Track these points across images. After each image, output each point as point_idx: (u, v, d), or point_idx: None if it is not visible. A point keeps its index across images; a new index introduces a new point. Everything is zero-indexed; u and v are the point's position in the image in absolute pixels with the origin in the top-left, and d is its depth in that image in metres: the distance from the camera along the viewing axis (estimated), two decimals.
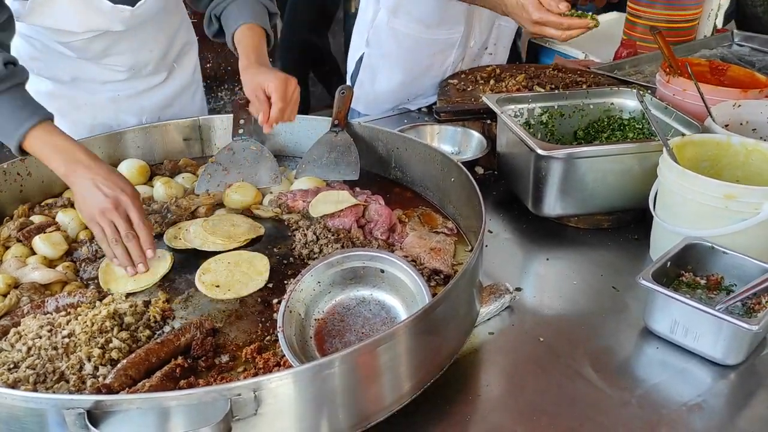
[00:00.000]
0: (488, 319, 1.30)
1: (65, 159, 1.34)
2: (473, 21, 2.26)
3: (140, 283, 1.33)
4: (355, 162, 1.66)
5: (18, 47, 1.77)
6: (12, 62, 1.40)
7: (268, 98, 1.51)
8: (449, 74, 2.32)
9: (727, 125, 1.63)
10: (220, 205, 1.59)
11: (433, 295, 1.22)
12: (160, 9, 1.72)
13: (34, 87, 1.81)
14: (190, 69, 1.99)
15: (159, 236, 1.46)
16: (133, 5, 1.63)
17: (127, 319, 1.19)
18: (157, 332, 1.20)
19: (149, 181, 1.69)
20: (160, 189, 1.61)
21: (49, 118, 1.38)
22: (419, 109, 2.31)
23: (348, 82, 2.51)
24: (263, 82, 1.51)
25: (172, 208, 1.54)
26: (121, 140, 1.73)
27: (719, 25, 2.81)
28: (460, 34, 2.26)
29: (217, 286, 1.31)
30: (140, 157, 1.73)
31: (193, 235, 1.44)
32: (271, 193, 1.62)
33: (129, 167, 1.67)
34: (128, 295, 1.29)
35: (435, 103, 2.19)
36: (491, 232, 1.61)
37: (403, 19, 2.22)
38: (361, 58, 2.38)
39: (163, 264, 1.37)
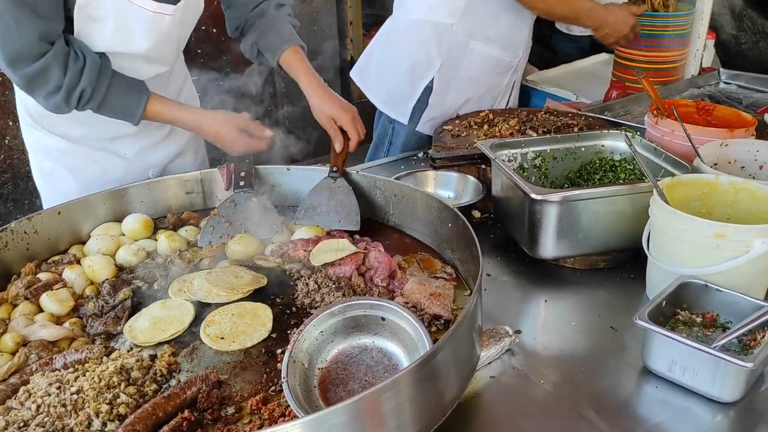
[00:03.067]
0: (489, 363, 1.32)
1: (187, 115, 1.76)
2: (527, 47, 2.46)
3: (169, 332, 1.35)
4: (355, 212, 1.70)
5: (27, 103, 1.82)
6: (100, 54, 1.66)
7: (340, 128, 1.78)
8: (501, 96, 2.56)
9: (715, 164, 1.67)
10: (223, 256, 1.62)
11: (434, 340, 1.24)
12: (191, 23, 1.85)
13: (43, 143, 1.88)
14: None
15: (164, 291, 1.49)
16: (175, 3, 1.70)
17: (134, 374, 1.21)
18: (164, 386, 1.22)
19: (153, 234, 1.72)
20: (164, 242, 1.64)
21: (150, 92, 1.73)
22: (416, 156, 2.36)
23: (404, 109, 2.52)
24: (335, 115, 1.78)
25: (175, 261, 1.57)
26: (125, 196, 1.77)
27: (706, 64, 2.89)
28: (519, 59, 2.49)
29: (222, 338, 1.33)
30: (144, 211, 1.77)
31: (197, 287, 1.47)
32: (272, 243, 1.65)
33: (133, 222, 1.71)
34: (132, 348, 1.32)
35: (428, 151, 2.24)
36: (489, 275, 1.63)
37: (481, 39, 2.40)
38: (431, 83, 2.44)
39: (188, 313, 1.40)
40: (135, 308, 1.43)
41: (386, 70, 2.55)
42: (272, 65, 1.89)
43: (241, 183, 1.77)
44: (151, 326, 1.36)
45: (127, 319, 1.39)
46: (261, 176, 1.84)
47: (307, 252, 1.58)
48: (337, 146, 1.80)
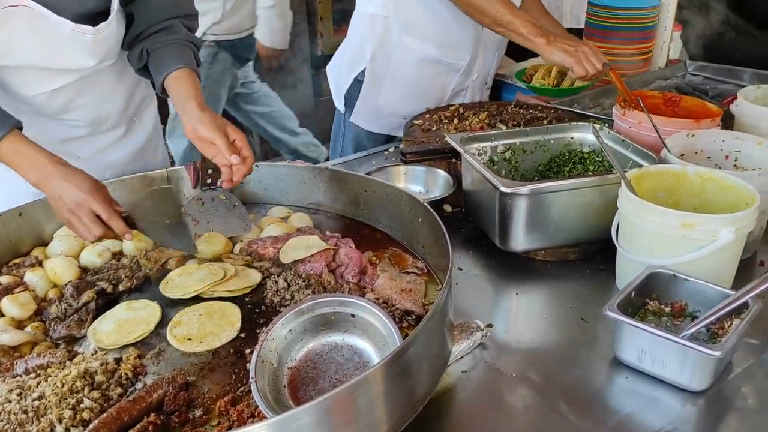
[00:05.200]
0: (461, 358, 1.31)
1: (36, 167, 1.43)
2: (479, 52, 2.38)
3: (134, 334, 1.32)
4: (245, 214, 1.64)
5: None
6: None
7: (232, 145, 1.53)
8: (448, 96, 2.48)
9: (682, 155, 1.69)
10: (191, 255, 1.59)
11: (405, 336, 1.23)
12: (118, 39, 1.71)
13: None
14: (150, 123, 1.99)
15: (137, 290, 1.46)
16: (95, 24, 1.61)
17: (98, 378, 1.18)
18: (129, 390, 1.19)
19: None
20: (130, 243, 1.60)
21: (18, 126, 1.47)
22: (387, 150, 2.35)
23: (341, 100, 2.59)
24: (205, 135, 1.51)
25: (142, 262, 1.54)
26: None
27: (673, 56, 2.92)
28: (466, 62, 2.42)
29: (189, 339, 1.30)
30: None
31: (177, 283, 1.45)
32: (241, 241, 1.63)
33: None
34: (97, 352, 1.29)
35: (399, 146, 2.23)
36: (461, 269, 1.63)
37: (416, 35, 2.34)
38: (360, 75, 2.45)
39: (154, 315, 1.37)
40: (99, 310, 1.40)
41: (336, 62, 2.63)
42: (155, 83, 1.67)
43: (209, 181, 1.73)
44: (116, 329, 1.33)
45: (91, 322, 1.36)
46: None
47: (277, 249, 1.56)
48: (226, 174, 1.54)
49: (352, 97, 2.50)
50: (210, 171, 1.76)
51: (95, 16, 1.62)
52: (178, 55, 1.65)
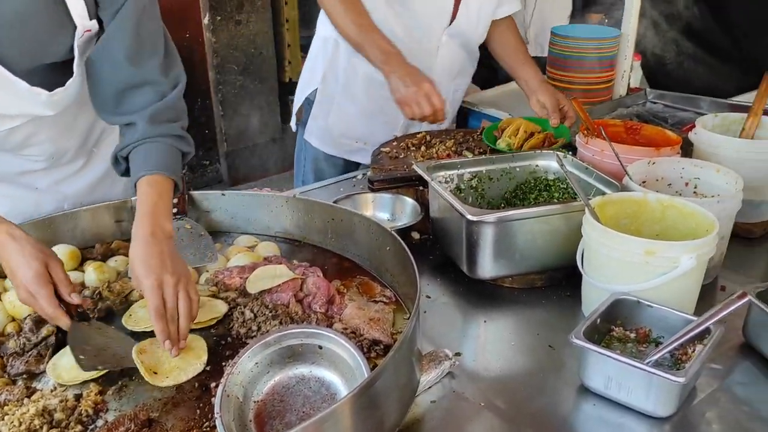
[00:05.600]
0: (429, 388, 1.30)
1: None
2: (432, 78, 2.36)
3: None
4: (211, 244, 1.63)
5: None
6: None
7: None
8: (402, 123, 2.46)
9: (644, 182, 1.72)
10: None
11: (374, 366, 1.23)
12: (78, 95, 1.64)
13: None
14: (110, 153, 1.94)
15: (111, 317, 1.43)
16: (50, 90, 1.55)
17: (58, 416, 1.14)
18: (90, 427, 1.15)
19: (80, 266, 1.65)
20: (92, 274, 1.57)
21: None
22: (356, 177, 2.36)
23: (293, 121, 2.64)
24: (133, 266, 1.34)
25: (104, 294, 1.51)
26: (50, 226, 1.69)
27: (634, 85, 2.99)
28: None
29: (155, 373, 1.27)
30: (70, 242, 1.69)
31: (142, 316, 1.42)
32: (207, 271, 1.61)
33: (59, 253, 1.62)
34: (56, 388, 1.25)
35: (366, 173, 2.24)
36: (429, 297, 1.63)
37: (363, 58, 2.29)
38: (312, 95, 2.49)
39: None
40: (59, 345, 1.36)
41: (298, 85, 2.66)
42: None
43: (174, 210, 1.71)
44: (76, 364, 1.30)
45: (50, 357, 1.32)
46: (195, 202, 1.80)
47: (244, 279, 1.54)
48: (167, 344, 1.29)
49: (304, 115, 2.54)
50: (175, 200, 1.75)
51: (57, 67, 1.55)
52: (147, 156, 1.54)
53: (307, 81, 2.54)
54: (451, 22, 2.35)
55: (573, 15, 3.84)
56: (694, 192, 1.72)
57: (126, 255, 1.69)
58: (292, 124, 2.67)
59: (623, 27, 2.74)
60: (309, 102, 2.52)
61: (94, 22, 1.52)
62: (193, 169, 5.08)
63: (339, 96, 2.45)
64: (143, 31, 1.57)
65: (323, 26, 2.46)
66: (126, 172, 1.61)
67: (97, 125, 1.87)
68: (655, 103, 2.86)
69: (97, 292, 1.53)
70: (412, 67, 2.06)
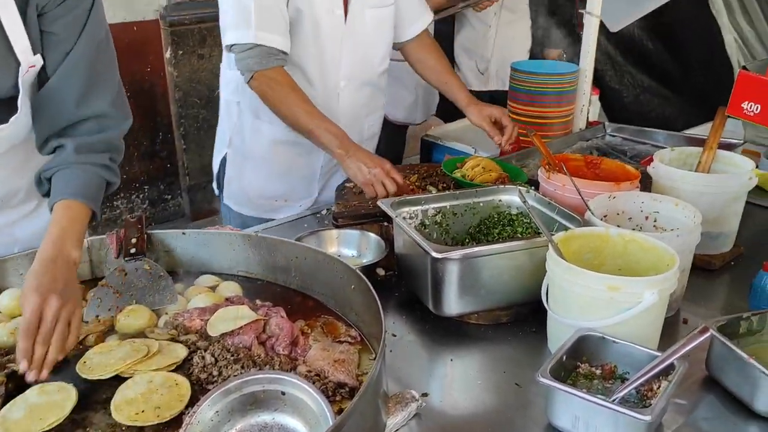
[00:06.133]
0: (396, 431, 1.28)
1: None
2: (338, 121, 2.30)
3: (47, 420, 1.21)
4: (171, 285, 1.61)
5: None
6: None
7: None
8: (319, 173, 2.43)
9: (605, 216, 1.74)
10: (112, 331, 1.51)
11: (339, 410, 1.20)
12: (26, 132, 1.60)
13: None
14: None
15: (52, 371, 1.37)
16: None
17: None
18: None
19: None
20: None
21: None
22: (319, 213, 2.34)
23: (214, 185, 2.61)
24: (24, 284, 1.32)
25: None
26: (3, 268, 1.64)
27: (593, 118, 3.06)
28: None
29: (138, 413, 1.21)
30: (20, 286, 1.60)
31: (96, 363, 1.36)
32: (166, 314, 1.56)
33: (10, 298, 1.57)
34: None
35: (331, 208, 2.22)
36: (395, 335, 1.61)
37: (266, 120, 2.30)
38: (224, 158, 2.47)
39: (69, 399, 1.27)
40: (9, 395, 1.29)
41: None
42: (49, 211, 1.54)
43: (132, 250, 1.67)
44: (26, 415, 1.23)
45: None
46: (154, 242, 1.75)
47: (204, 321, 1.50)
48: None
49: (221, 178, 2.52)
50: (134, 240, 1.70)
51: (2, 104, 1.51)
52: (69, 181, 1.52)
53: (219, 145, 2.52)
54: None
55: (532, 49, 3.91)
56: (654, 225, 1.75)
57: (82, 298, 1.64)
58: (214, 186, 2.61)
59: (581, 63, 2.80)
60: (223, 165, 2.49)
61: (39, 57, 1.49)
62: (154, 204, 5.00)
63: (249, 158, 2.41)
64: (96, 71, 1.57)
65: (225, 90, 2.44)
66: (48, 194, 1.59)
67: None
68: (613, 136, 2.92)
69: None
70: (365, 150, 2.09)
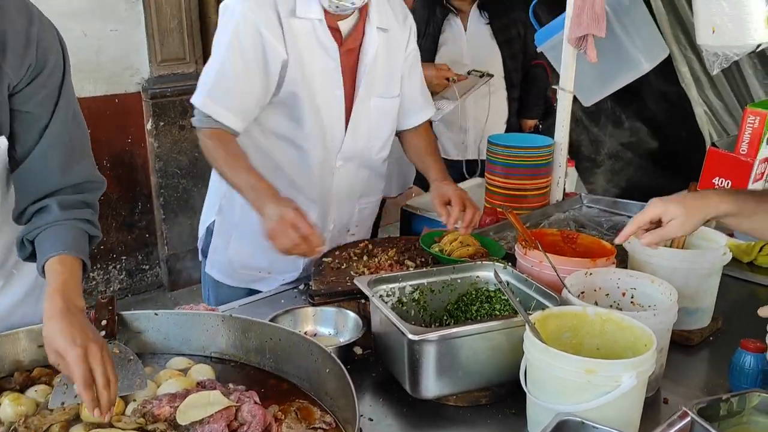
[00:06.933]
0: None
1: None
2: (329, 206, 2.32)
3: None
4: (140, 369, 1.57)
5: None
6: None
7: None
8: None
9: (582, 293, 1.74)
10: (77, 420, 1.46)
11: None
12: None
13: None
14: (31, 274, 1.78)
15: None
16: None
17: None
18: None
19: None
20: (8, 408, 1.45)
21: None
22: (296, 288, 2.31)
23: (199, 251, 2.58)
24: (60, 348, 1.36)
25: (20, 430, 1.39)
26: None
27: (569, 189, 3.10)
28: (315, 216, 2.31)
29: None
30: None
31: None
32: (134, 400, 1.51)
33: None
34: None
35: (309, 284, 2.20)
36: (371, 420, 1.57)
37: None
38: (212, 225, 2.46)
39: None
40: None
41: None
42: (38, 270, 1.56)
43: (102, 333, 1.63)
44: None
45: None
46: (125, 323, 1.71)
47: (174, 408, 1.45)
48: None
49: (206, 246, 2.50)
50: (104, 322, 1.67)
51: None
52: (59, 238, 1.55)
53: (207, 211, 2.52)
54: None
55: (509, 120, 3.99)
56: (632, 302, 1.75)
57: (48, 383, 1.59)
58: (199, 253, 2.59)
59: (556, 136, 2.86)
60: (210, 233, 2.48)
61: (3, 138, 1.50)
62: (131, 275, 4.93)
63: (237, 228, 2.39)
64: (74, 142, 1.60)
65: None
66: (30, 257, 1.60)
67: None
68: (590, 207, 2.94)
69: (12, 427, 1.41)
70: (282, 198, 1.99)
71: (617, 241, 1.74)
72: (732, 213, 1.59)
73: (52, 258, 1.51)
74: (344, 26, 2.19)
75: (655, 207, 1.64)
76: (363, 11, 2.22)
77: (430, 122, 2.63)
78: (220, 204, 2.43)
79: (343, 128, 2.27)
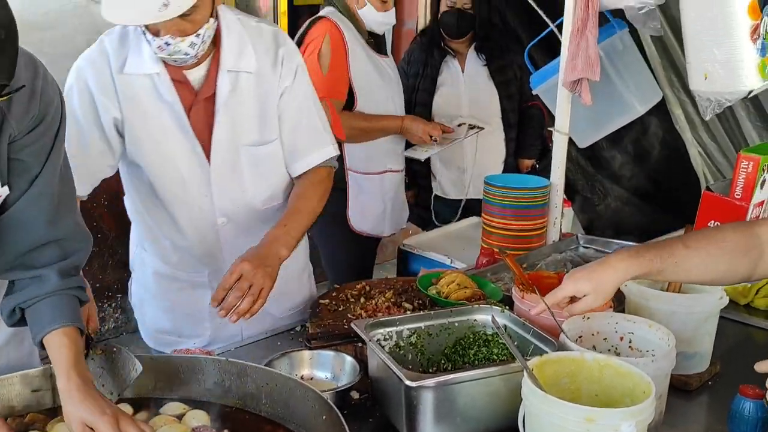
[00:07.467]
0: None
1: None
2: (223, 266, 2.03)
3: None
4: (130, 356, 1.60)
5: None
6: None
7: None
8: (209, 316, 2.19)
9: (580, 337, 1.73)
10: None
11: None
12: None
13: None
14: None
15: None
16: None
17: None
18: None
19: None
20: None
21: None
22: (294, 329, 2.29)
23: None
24: (88, 420, 1.39)
25: None
26: None
27: (566, 230, 3.11)
28: (205, 277, 2.19)
29: None
30: None
31: None
32: None
33: None
34: None
35: (306, 325, 2.19)
36: None
37: (149, 250, 2.25)
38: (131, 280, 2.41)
39: None
40: None
41: None
42: (33, 339, 1.55)
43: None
44: None
45: None
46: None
47: None
48: None
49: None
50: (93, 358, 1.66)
51: None
52: (60, 309, 1.53)
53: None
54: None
55: (506, 159, 4.01)
56: (630, 347, 1.74)
57: (41, 429, 1.57)
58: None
59: (552, 177, 2.88)
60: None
61: (6, 188, 1.50)
62: (127, 312, 4.89)
63: (145, 293, 2.32)
64: (61, 194, 1.58)
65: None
66: (18, 323, 1.59)
67: (0, 289, 1.77)
68: (587, 247, 2.95)
69: None
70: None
71: (533, 312, 1.74)
72: (646, 273, 1.60)
73: (54, 331, 1.50)
74: (194, 75, 1.99)
75: (566, 286, 1.67)
76: (215, 56, 1.99)
77: (330, 168, 2.26)
78: (133, 268, 2.36)
79: (207, 184, 2.06)
